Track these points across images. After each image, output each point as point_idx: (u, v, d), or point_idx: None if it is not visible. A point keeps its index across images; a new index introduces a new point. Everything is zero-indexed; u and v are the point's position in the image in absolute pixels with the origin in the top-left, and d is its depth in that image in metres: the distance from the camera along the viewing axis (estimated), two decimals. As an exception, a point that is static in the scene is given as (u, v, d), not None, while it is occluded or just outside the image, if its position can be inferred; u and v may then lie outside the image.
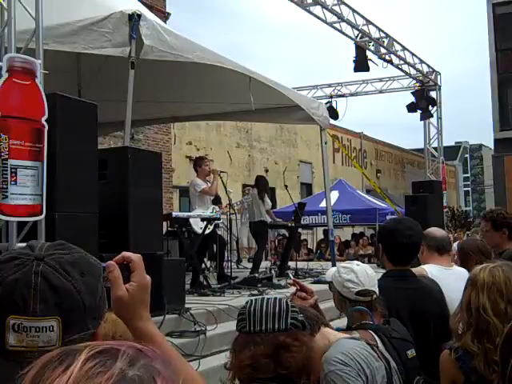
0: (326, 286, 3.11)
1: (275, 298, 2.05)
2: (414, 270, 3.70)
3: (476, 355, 2.53)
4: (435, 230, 4.25)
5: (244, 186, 18.95)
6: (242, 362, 1.87)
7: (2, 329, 1.09)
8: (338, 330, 3.09)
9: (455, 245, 5.16)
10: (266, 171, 22.84)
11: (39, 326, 1.09)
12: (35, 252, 1.16)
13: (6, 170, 4.29)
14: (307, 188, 26.46)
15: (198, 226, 8.60)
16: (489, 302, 2.55)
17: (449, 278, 3.82)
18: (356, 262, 3.14)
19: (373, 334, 2.74)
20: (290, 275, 7.65)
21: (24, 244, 3.91)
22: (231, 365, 1.93)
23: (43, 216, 4.59)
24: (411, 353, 2.86)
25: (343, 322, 3.09)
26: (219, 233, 9.89)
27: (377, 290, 2.88)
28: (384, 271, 3.61)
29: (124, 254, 1.50)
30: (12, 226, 4.52)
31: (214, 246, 9.24)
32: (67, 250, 1.19)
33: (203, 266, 9.23)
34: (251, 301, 2.05)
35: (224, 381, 2.00)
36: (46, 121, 4.54)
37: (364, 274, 2.84)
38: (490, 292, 2.57)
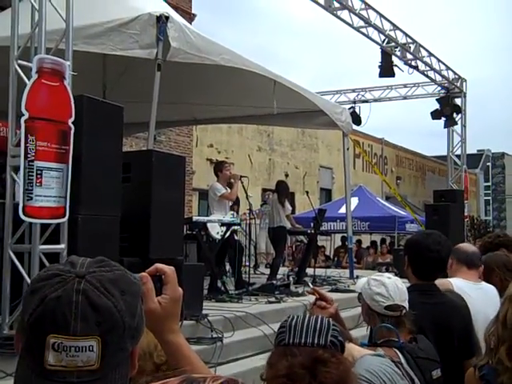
0: (344, 295, 3.07)
1: (317, 316, 2.06)
2: (438, 281, 3.65)
3: (505, 371, 2.48)
4: (467, 246, 4.25)
5: (264, 190, 18.96)
6: (278, 372, 1.87)
7: (42, 347, 1.07)
8: (362, 344, 3.05)
9: None
10: (286, 175, 22.79)
11: (79, 346, 1.07)
12: (76, 269, 1.14)
13: (32, 172, 4.29)
14: (327, 193, 26.37)
15: (214, 231, 8.58)
16: None
17: (475, 293, 3.77)
18: (388, 274, 3.08)
19: (397, 352, 2.69)
20: (309, 283, 7.60)
21: (46, 246, 3.88)
22: (266, 375, 1.92)
23: (66, 218, 4.59)
24: (436, 373, 2.81)
25: (361, 331, 3.05)
26: (237, 238, 9.85)
27: (406, 305, 2.83)
28: (406, 283, 3.56)
29: (157, 265, 1.49)
30: (35, 227, 4.52)
31: (231, 251, 9.21)
32: (108, 268, 1.17)
33: (221, 271, 9.20)
34: (293, 315, 2.06)
35: None
36: (72, 123, 4.54)
37: (395, 288, 2.79)
38: None
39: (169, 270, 1.48)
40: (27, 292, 1.14)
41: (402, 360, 2.67)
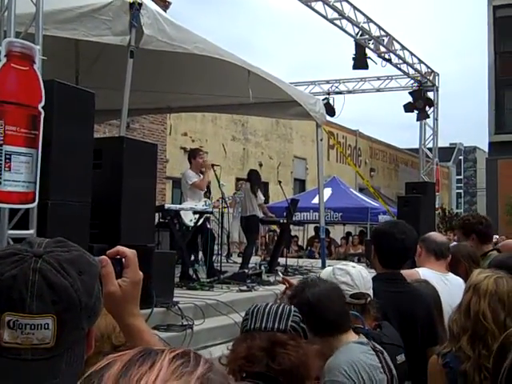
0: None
1: (280, 304, 2.14)
2: (406, 271, 3.70)
3: (468, 359, 2.54)
4: (436, 235, 4.28)
5: (238, 179, 18.94)
6: (237, 355, 1.93)
7: None
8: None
9: None
10: (260, 165, 22.82)
11: (34, 324, 1.08)
12: (34, 248, 1.14)
13: (1, 157, 4.25)
14: (300, 184, 26.47)
15: (187, 218, 8.57)
16: (489, 310, 2.57)
17: (441, 284, 3.83)
18: (352, 263, 3.13)
19: (363, 338, 2.74)
20: (279, 273, 7.64)
21: (15, 231, 3.85)
22: (227, 359, 1.97)
23: (36, 204, 4.56)
24: (400, 358, 2.87)
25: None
26: (210, 226, 9.86)
27: (371, 293, 2.88)
28: (374, 272, 3.60)
29: (119, 248, 1.49)
30: (4, 212, 4.48)
31: (203, 239, 9.22)
32: (66, 248, 1.18)
33: (193, 259, 9.21)
34: (256, 304, 2.13)
35: None
36: (42, 107, 4.50)
37: (359, 277, 2.83)
38: (492, 300, 2.59)
39: (130, 253, 1.49)
40: None
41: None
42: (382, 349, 2.57)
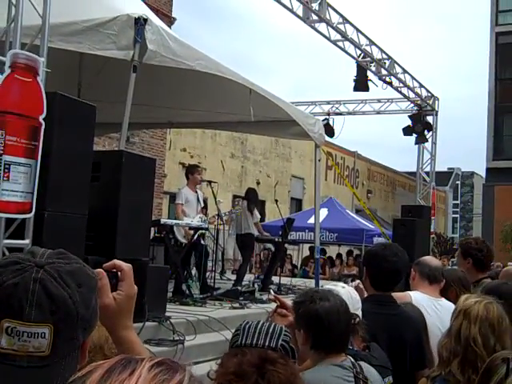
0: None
1: (271, 322, 2.15)
2: (398, 294, 3.73)
3: (457, 383, 2.56)
4: (430, 259, 4.27)
5: (235, 196, 19.00)
6: (227, 369, 1.91)
7: None
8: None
9: None
10: (258, 183, 22.86)
11: (32, 332, 1.11)
12: (36, 258, 1.18)
13: (0, 166, 4.28)
14: (297, 203, 26.49)
15: (181, 234, 8.61)
16: (480, 335, 2.59)
17: (432, 308, 3.85)
18: (341, 283, 3.16)
19: (351, 359, 2.76)
20: (271, 291, 7.65)
21: (10, 241, 3.87)
22: (216, 374, 1.97)
23: (32, 214, 4.58)
24: (388, 380, 2.90)
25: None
26: (204, 243, 9.89)
27: (360, 314, 2.90)
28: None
29: (115, 262, 1.52)
30: (0, 222, 4.51)
31: (197, 255, 9.24)
32: (67, 260, 1.21)
33: (186, 274, 9.22)
34: (248, 320, 2.13)
35: None
36: (43, 119, 4.55)
37: (348, 297, 2.86)
38: (482, 326, 2.61)
39: (126, 267, 1.52)
40: None
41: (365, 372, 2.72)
42: (366, 377, 2.56)
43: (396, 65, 16.88)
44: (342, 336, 2.58)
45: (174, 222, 8.62)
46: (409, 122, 18.86)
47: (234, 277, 10.98)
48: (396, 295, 3.66)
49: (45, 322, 1.12)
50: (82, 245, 5.07)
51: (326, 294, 2.67)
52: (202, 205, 9.33)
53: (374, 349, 2.95)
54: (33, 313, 1.11)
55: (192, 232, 8.63)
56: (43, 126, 4.54)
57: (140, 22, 6.26)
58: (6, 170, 4.32)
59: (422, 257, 4.43)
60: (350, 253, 20.10)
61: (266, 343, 1.99)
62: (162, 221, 8.35)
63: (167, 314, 6.20)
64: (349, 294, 2.88)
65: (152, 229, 7.77)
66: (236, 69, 8.03)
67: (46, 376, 1.13)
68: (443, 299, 4.04)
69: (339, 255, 20.35)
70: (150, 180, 6.32)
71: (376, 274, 3.52)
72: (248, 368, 1.89)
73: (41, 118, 4.52)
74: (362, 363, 2.65)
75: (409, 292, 4.03)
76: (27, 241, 4.62)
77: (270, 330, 2.04)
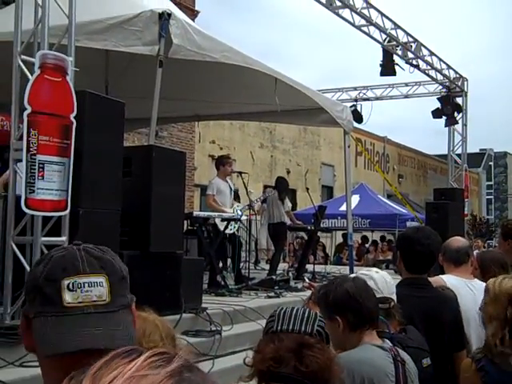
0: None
1: (305, 308, 2.17)
2: (432, 279, 3.71)
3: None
4: (452, 241, 4.18)
5: (265, 186, 18.99)
6: (264, 356, 1.94)
7: (59, 292, 1.20)
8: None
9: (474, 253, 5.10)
10: (288, 172, 22.84)
11: (91, 282, 1.21)
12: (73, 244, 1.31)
13: (34, 165, 4.37)
14: (328, 191, 26.41)
15: (221, 224, 8.68)
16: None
17: (465, 290, 3.81)
18: (375, 268, 3.17)
19: (389, 343, 2.77)
20: (306, 279, 7.66)
21: (48, 238, 3.98)
22: (253, 360, 1.99)
23: (68, 211, 4.67)
24: (426, 362, 2.89)
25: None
26: (237, 234, 9.95)
27: (395, 298, 2.91)
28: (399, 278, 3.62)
29: None
30: (37, 220, 4.60)
31: (231, 246, 9.30)
32: (98, 249, 1.31)
33: (221, 265, 9.29)
34: (282, 307, 2.15)
35: (242, 378, 2.05)
36: (74, 118, 4.62)
37: (383, 282, 2.87)
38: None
39: None
40: (34, 265, 1.32)
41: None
42: (404, 360, 2.57)
43: (422, 47, 16.69)
44: (376, 309, 2.61)
45: (207, 214, 8.67)
46: (438, 105, 18.66)
47: (268, 266, 11.01)
48: (430, 280, 3.64)
49: (99, 272, 1.23)
50: (117, 240, 5.15)
51: (345, 277, 2.76)
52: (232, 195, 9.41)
53: (411, 331, 2.95)
54: (87, 267, 1.22)
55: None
56: (74, 125, 4.62)
57: (164, 17, 6.30)
58: (41, 169, 4.40)
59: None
60: (383, 238, 19.99)
61: (302, 328, 2.01)
62: (195, 213, 8.41)
63: (203, 305, 6.26)
64: (383, 278, 2.88)
65: (185, 222, 7.83)
66: (262, 59, 8.04)
67: (113, 319, 1.21)
68: (476, 280, 3.99)
69: (374, 241, 20.26)
70: (181, 173, 6.37)
71: (409, 257, 3.52)
72: (286, 353, 1.92)
73: (72, 117, 4.59)
74: (396, 347, 2.66)
75: (441, 276, 4.00)
76: (64, 238, 4.70)
77: (306, 315, 2.05)
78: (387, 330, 2.79)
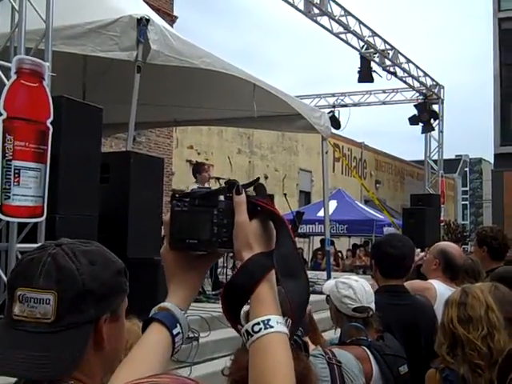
0: (320, 297, 3.14)
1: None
2: (420, 282, 3.73)
3: (461, 366, 2.57)
4: (459, 256, 4.17)
5: (243, 191, 18.92)
6: (240, 365, 1.93)
7: (12, 301, 1.22)
8: (331, 343, 3.14)
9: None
10: (266, 178, 22.86)
11: (38, 298, 1.21)
12: (59, 241, 1.31)
13: (10, 171, 4.33)
14: (306, 196, 26.47)
15: None
16: (455, 316, 2.62)
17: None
18: (354, 277, 3.17)
19: (366, 350, 2.78)
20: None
21: (23, 245, 3.93)
22: (229, 370, 1.98)
23: (44, 218, 4.62)
24: (403, 369, 2.90)
25: (338, 333, 3.15)
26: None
27: (373, 307, 2.91)
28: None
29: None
30: (13, 226, 4.55)
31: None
32: (88, 244, 1.33)
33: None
34: None
35: None
36: (51, 123, 4.58)
37: (362, 291, 2.87)
38: (459, 309, 2.63)
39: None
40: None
41: (371, 358, 2.75)
42: (339, 361, 2.57)
43: (400, 55, 16.85)
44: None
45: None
46: (415, 112, 18.83)
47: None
48: (419, 284, 3.67)
49: (50, 289, 1.21)
50: (94, 246, 5.10)
51: None
52: None
53: (388, 339, 2.96)
54: (41, 281, 1.21)
55: None
56: (51, 130, 4.58)
57: (142, 23, 6.27)
58: (16, 175, 4.36)
59: (432, 245, 4.38)
60: (357, 245, 20.10)
61: None
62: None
63: (181, 311, 6.22)
64: (362, 287, 2.89)
65: (163, 227, 7.79)
66: (239, 64, 8.05)
67: (48, 341, 1.20)
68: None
69: (355, 245, 20.37)
70: (159, 179, 6.34)
71: (383, 262, 3.52)
72: None
73: (48, 122, 4.56)
74: (335, 350, 2.67)
75: (430, 281, 3.99)
76: (39, 245, 4.65)
77: None
78: (365, 337, 2.81)
